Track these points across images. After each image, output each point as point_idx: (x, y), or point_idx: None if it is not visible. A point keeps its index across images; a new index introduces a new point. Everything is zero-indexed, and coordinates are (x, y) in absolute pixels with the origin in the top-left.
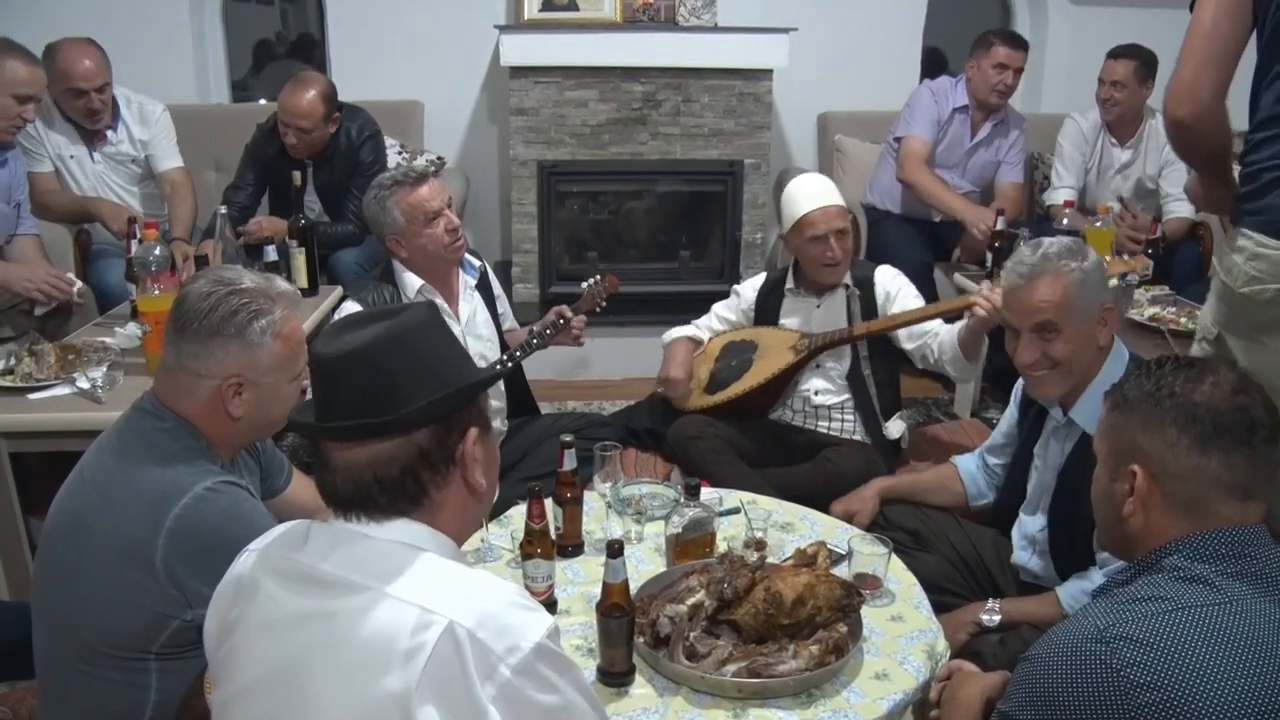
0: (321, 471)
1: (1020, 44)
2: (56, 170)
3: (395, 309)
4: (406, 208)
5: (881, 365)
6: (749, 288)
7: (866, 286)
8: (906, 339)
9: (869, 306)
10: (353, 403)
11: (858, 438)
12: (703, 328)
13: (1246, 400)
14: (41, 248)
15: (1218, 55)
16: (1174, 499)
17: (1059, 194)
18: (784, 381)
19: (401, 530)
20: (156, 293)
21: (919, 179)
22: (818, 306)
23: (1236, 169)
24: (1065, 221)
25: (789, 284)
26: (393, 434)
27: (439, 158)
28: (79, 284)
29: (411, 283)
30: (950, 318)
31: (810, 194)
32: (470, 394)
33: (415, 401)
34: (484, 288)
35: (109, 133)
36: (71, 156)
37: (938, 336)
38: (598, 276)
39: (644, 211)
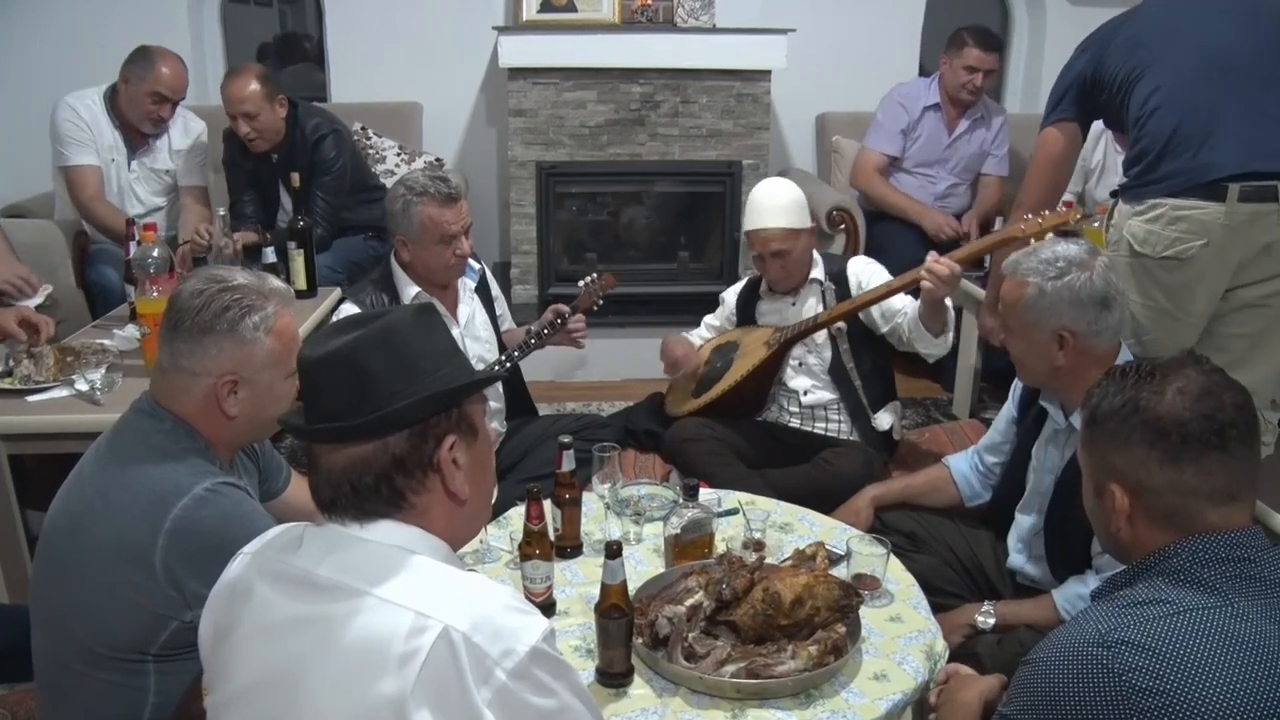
0: (311, 473)
1: (993, 45)
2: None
3: (385, 311)
4: (427, 220)
5: (864, 356)
6: (731, 293)
7: (840, 280)
8: (881, 321)
9: (844, 298)
10: (332, 405)
11: (855, 439)
12: (694, 336)
13: (1213, 404)
14: (6, 241)
15: (1058, 178)
16: (1155, 513)
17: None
18: (764, 377)
19: (392, 532)
20: (155, 294)
21: (871, 187)
22: (793, 304)
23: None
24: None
25: (763, 286)
26: (365, 438)
27: (437, 159)
28: (46, 288)
29: (409, 290)
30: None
31: (757, 209)
32: (448, 399)
33: (392, 405)
34: (483, 290)
35: (151, 140)
36: (113, 160)
37: (906, 315)
38: (594, 275)
39: (643, 212)
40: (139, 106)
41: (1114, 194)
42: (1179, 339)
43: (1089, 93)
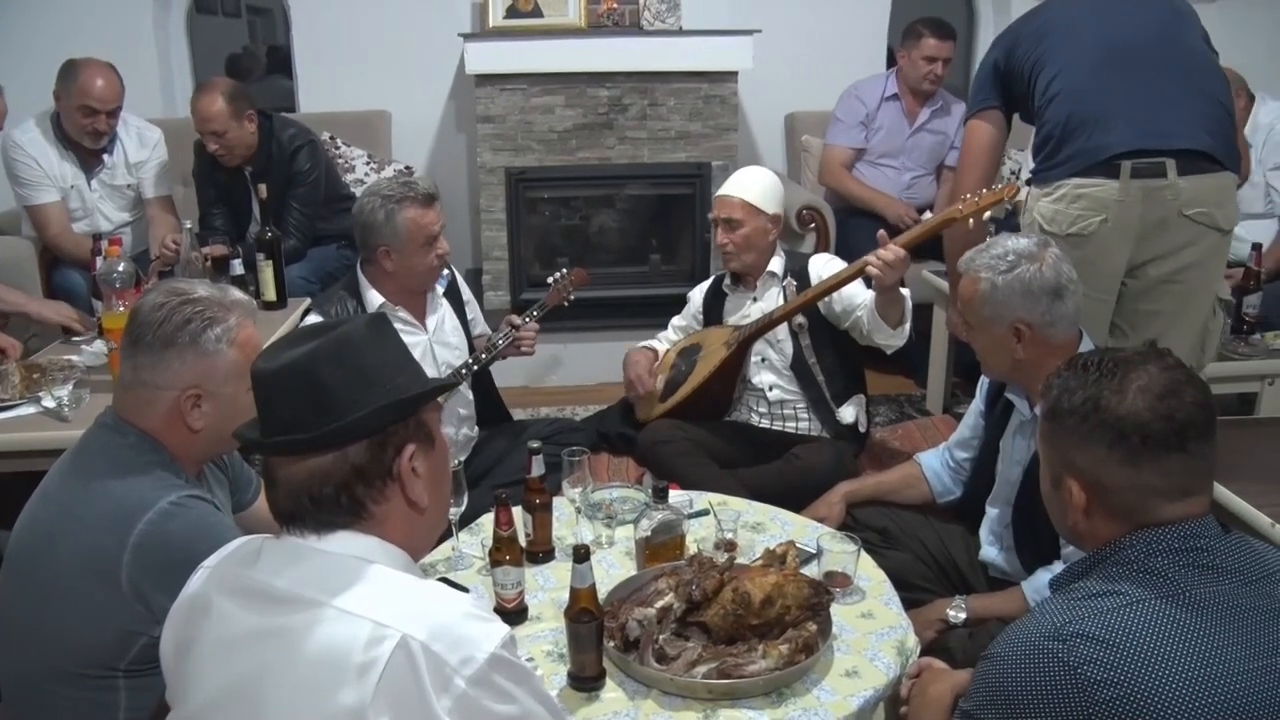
0: (269, 487)
1: (948, 34)
2: (64, 199)
3: (338, 322)
4: (412, 224)
5: (826, 351)
6: (696, 291)
7: (802, 276)
8: (843, 317)
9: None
10: (288, 418)
11: (826, 434)
12: (661, 340)
13: (1174, 403)
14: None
15: (988, 166)
16: (1111, 509)
17: (1025, 190)
18: (727, 377)
19: (351, 543)
20: (121, 309)
21: (837, 183)
22: (754, 300)
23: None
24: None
25: (726, 281)
26: (325, 449)
27: (407, 167)
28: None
29: (374, 300)
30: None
31: (731, 179)
32: (405, 408)
33: (349, 415)
34: (452, 294)
35: (105, 156)
36: (73, 186)
37: (865, 308)
38: (564, 270)
39: (613, 216)
40: (73, 122)
41: (1027, 181)
42: (1090, 316)
43: (1004, 83)
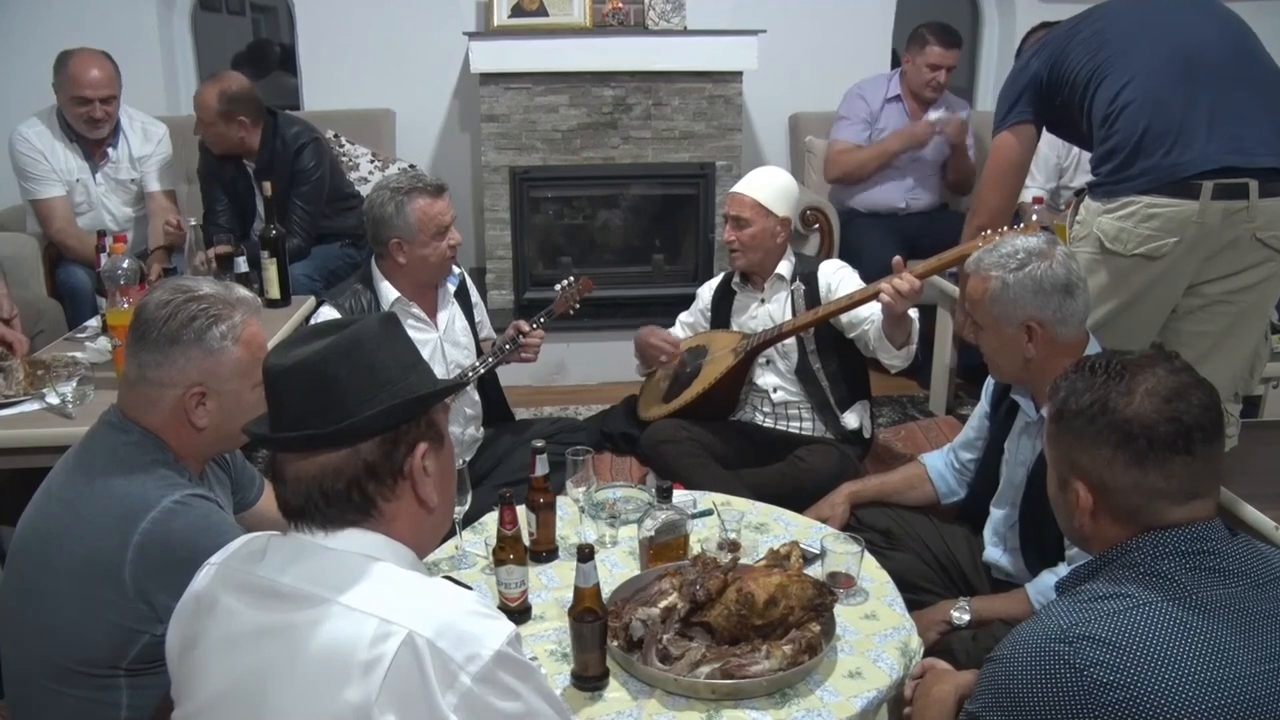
0: (277, 483)
1: (954, 42)
2: (70, 193)
3: (349, 321)
4: (422, 215)
5: (831, 357)
6: (706, 288)
7: (810, 281)
8: (849, 328)
9: (813, 300)
10: (300, 414)
11: (830, 436)
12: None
13: (1182, 406)
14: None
15: (1014, 183)
16: (1117, 511)
17: (1028, 193)
18: (732, 384)
19: (357, 540)
20: (125, 306)
21: (846, 165)
22: (762, 302)
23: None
24: (1034, 218)
25: (735, 279)
26: (338, 445)
27: (411, 165)
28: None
29: (389, 293)
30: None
31: (745, 177)
32: (418, 406)
33: (361, 413)
34: (462, 295)
35: (110, 150)
36: (78, 180)
37: (872, 324)
38: (572, 278)
39: (617, 215)
40: (70, 112)
41: (1078, 192)
42: (1141, 333)
43: (1045, 94)
